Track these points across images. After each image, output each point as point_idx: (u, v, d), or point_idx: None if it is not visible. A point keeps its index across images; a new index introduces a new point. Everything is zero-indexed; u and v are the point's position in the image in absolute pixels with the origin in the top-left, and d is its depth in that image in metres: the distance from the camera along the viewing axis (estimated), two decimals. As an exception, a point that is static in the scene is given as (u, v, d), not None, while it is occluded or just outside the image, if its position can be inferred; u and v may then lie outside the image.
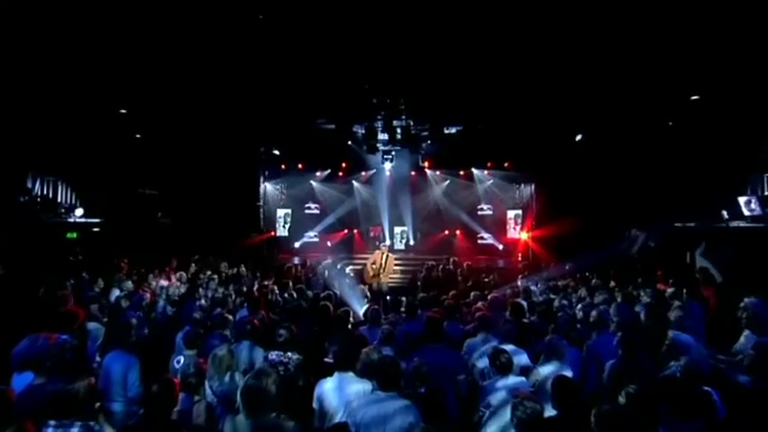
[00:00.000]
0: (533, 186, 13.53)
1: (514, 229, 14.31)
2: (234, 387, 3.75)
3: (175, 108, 9.39)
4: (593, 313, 4.81)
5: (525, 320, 5.59)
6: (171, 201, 12.22)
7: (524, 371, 4.14)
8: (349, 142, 10.60)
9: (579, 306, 6.01)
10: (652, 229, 9.18)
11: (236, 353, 4.01)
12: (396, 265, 12.24)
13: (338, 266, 11.20)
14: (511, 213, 14.53)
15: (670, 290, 6.63)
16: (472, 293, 7.28)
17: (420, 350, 4.30)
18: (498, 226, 14.73)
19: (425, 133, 10.57)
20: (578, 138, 10.85)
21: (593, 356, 4.40)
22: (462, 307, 6.67)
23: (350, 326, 5.70)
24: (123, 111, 8.80)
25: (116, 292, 6.89)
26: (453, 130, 10.28)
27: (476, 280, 9.08)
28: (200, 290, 7.96)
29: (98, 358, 4.53)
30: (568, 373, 3.83)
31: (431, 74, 8.29)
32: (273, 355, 4.10)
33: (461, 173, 14.68)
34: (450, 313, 5.86)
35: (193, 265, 10.33)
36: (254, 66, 7.99)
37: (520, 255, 13.43)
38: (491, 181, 14.69)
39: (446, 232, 15.24)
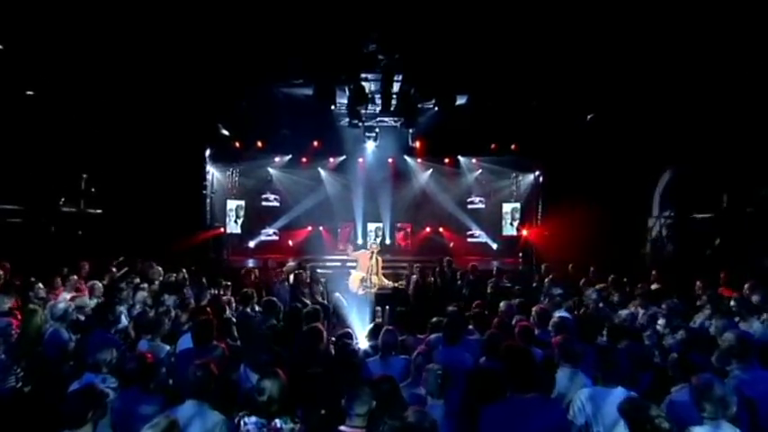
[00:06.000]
0: (538, 175, 11.67)
1: (511, 224, 12.55)
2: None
3: (93, 68, 6.79)
4: (729, 335, 3.41)
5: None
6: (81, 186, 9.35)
7: None
8: (332, 107, 8.17)
9: (662, 321, 4.74)
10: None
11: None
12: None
13: (307, 271, 8.88)
14: (507, 207, 12.74)
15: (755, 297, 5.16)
16: (501, 305, 5.57)
17: (506, 402, 2.91)
18: (492, 221, 12.97)
19: (424, 105, 8.38)
20: (589, 117, 9.27)
21: (743, 400, 2.89)
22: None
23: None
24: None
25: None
26: (462, 101, 8.22)
27: (496, 287, 7.12)
28: (119, 308, 5.49)
29: None
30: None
31: (443, 25, 6.42)
32: (250, 425, 2.63)
33: (446, 161, 12.76)
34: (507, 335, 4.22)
35: (114, 270, 7.77)
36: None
37: (520, 255, 11.65)
38: (480, 171, 12.92)
39: (428, 229, 13.40)
